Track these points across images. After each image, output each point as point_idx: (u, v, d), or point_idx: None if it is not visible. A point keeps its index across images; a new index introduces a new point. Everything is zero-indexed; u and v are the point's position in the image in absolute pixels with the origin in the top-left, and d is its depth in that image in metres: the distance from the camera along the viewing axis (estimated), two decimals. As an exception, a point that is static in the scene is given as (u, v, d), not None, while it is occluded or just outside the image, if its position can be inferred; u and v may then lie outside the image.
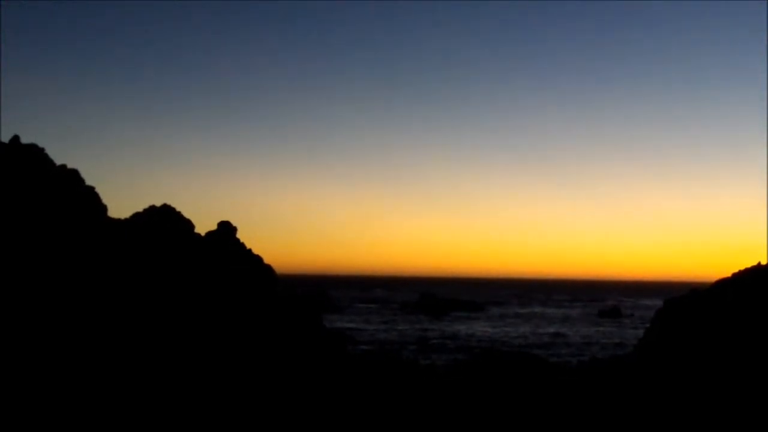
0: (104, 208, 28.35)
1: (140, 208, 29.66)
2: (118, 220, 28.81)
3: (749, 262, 29.88)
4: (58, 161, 28.04)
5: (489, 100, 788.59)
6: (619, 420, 24.46)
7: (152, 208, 29.67)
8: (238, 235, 31.18)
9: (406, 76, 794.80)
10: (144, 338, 24.68)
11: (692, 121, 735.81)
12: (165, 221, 29.38)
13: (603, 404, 25.68)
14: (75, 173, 28.15)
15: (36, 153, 27.48)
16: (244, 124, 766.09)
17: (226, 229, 30.96)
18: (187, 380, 23.86)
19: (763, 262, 29.43)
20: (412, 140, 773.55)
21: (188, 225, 29.95)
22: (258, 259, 31.01)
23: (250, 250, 31.06)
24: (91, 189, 28.32)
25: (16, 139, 27.27)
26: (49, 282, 24.34)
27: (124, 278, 26.19)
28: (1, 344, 21.92)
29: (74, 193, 27.70)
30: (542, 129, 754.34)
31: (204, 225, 30.93)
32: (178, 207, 29.97)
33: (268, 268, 31.02)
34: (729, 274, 29.86)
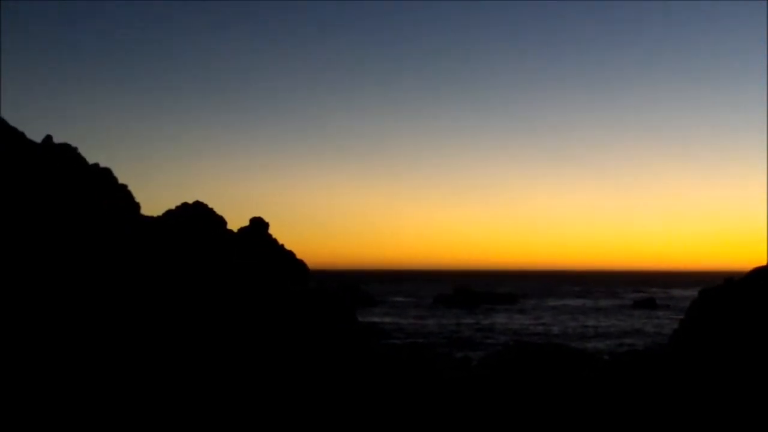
0: (137, 205, 28.57)
1: (172, 206, 29.90)
2: (152, 218, 29.02)
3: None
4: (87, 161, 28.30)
5: (517, 93, 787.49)
6: (654, 413, 24.30)
7: (185, 205, 29.87)
8: (270, 231, 31.33)
9: (433, 71, 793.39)
10: (181, 334, 24.86)
11: (724, 109, 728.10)
12: (198, 218, 29.56)
13: (637, 397, 25.52)
14: (108, 171, 28.38)
15: (69, 152, 27.72)
16: (277, 123, 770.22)
17: (258, 224, 31.12)
18: (220, 375, 24.00)
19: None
20: (444, 134, 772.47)
21: (221, 221, 30.11)
22: (291, 254, 31.14)
23: (282, 245, 31.18)
24: (124, 187, 28.54)
25: (48, 138, 27.50)
26: (88, 279, 24.57)
27: (161, 275, 26.38)
28: (39, 339, 22.18)
29: (108, 192, 27.93)
30: (575, 121, 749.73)
31: (237, 222, 31.11)
32: (210, 204, 30.17)
33: (301, 263, 31.14)
34: (765, 263, 29.52)
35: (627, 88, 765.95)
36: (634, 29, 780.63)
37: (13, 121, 26.85)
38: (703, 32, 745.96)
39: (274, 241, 31.10)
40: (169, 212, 29.65)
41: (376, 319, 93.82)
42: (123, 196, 28.32)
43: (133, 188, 28.67)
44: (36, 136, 27.44)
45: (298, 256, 31.31)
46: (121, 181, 28.60)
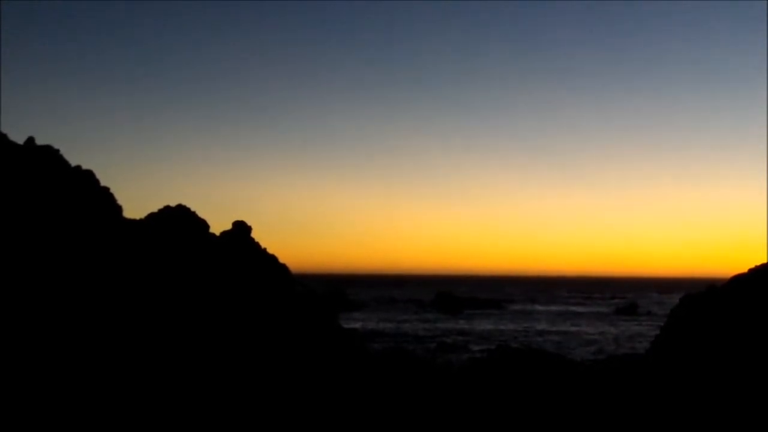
0: (120, 208, 28.46)
1: (155, 209, 29.77)
2: (134, 221, 28.91)
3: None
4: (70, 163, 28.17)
5: (503, 95, 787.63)
6: (634, 419, 24.39)
7: (167, 208, 29.74)
8: (253, 234, 31.22)
9: (419, 73, 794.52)
10: (161, 339, 24.77)
11: (708, 113, 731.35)
12: (180, 221, 29.44)
13: (618, 402, 25.60)
14: (90, 174, 28.27)
15: (51, 154, 27.61)
16: (259, 124, 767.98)
17: (241, 228, 30.99)
18: (202, 381, 23.93)
19: (780, 258, 29.19)
20: (428, 137, 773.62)
21: (203, 225, 30.01)
22: (273, 258, 31.04)
23: (265, 249, 31.09)
24: (107, 190, 28.43)
25: (31, 140, 27.39)
26: (66, 283, 24.45)
27: (142, 279, 26.28)
28: (19, 345, 22.06)
29: (90, 194, 27.81)
30: (560, 124, 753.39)
31: (219, 225, 30.97)
32: (193, 207, 30.04)
33: (283, 268, 31.05)
34: (745, 270, 29.67)
35: (618, 90, 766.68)
36: (628, 30, 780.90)
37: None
38: (701, 32, 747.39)
39: (257, 245, 30.99)
40: (151, 215, 29.53)
41: (359, 324, 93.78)
42: (105, 199, 28.20)
43: (116, 191, 28.58)
44: (19, 137, 27.37)
45: (282, 260, 31.20)
46: (105, 183, 28.53)
